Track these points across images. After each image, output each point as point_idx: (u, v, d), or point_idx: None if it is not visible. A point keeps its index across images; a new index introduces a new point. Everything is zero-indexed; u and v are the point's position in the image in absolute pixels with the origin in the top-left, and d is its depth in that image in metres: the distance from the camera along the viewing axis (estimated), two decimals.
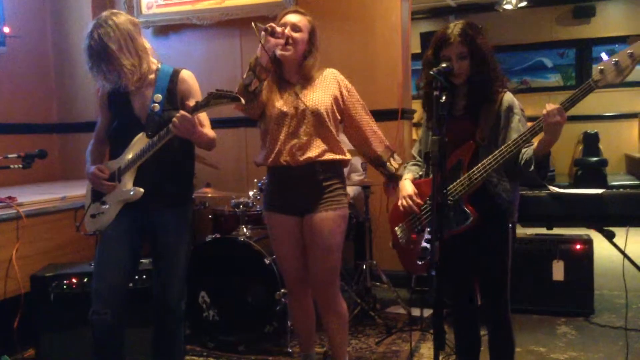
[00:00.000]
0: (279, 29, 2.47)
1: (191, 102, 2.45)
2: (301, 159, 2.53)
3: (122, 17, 2.45)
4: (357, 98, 2.68)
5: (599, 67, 2.06)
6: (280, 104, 2.57)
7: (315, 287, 2.70)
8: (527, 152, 2.19)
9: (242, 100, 2.34)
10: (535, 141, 2.18)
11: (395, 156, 2.75)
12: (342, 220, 2.61)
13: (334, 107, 2.59)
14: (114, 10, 2.50)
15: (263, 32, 2.43)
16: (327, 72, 2.65)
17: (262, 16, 4.57)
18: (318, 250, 2.59)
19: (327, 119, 2.54)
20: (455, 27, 2.26)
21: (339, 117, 2.65)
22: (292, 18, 2.57)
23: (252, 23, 2.42)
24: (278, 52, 2.52)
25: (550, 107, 2.05)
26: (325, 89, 2.59)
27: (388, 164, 2.70)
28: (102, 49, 2.38)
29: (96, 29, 2.39)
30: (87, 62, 2.45)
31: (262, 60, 2.45)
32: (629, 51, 2.02)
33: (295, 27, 2.54)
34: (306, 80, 2.59)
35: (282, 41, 2.47)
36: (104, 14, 2.46)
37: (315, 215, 2.56)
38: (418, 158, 2.57)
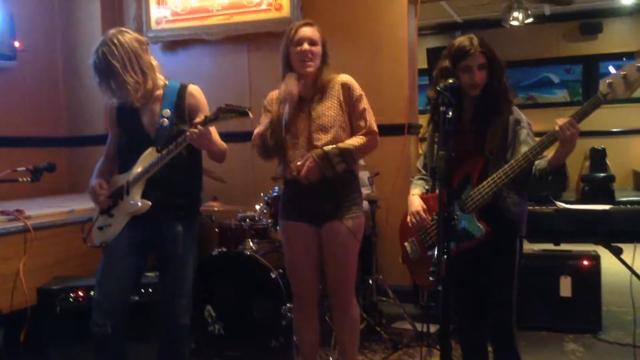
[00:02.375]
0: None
1: (199, 117, 2.47)
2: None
3: (127, 36, 2.47)
4: (361, 106, 2.66)
5: (607, 81, 2.04)
6: (294, 122, 2.60)
7: (333, 292, 2.73)
8: (540, 164, 2.19)
9: (251, 115, 2.37)
10: (547, 153, 2.18)
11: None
12: (359, 228, 2.68)
13: (343, 115, 2.62)
14: (122, 29, 2.52)
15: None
16: (337, 80, 2.66)
17: (269, 32, 4.61)
18: (337, 256, 2.64)
19: (337, 134, 2.58)
20: (472, 39, 2.29)
21: (349, 122, 2.65)
22: (308, 32, 2.60)
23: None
24: (304, 69, 2.57)
25: (562, 121, 2.06)
26: (333, 100, 2.62)
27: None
28: (106, 66, 2.41)
29: (101, 47, 2.43)
30: (94, 78, 2.48)
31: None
32: (637, 65, 2.00)
33: (312, 42, 2.59)
34: (318, 93, 2.63)
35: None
36: (111, 31, 2.48)
37: (335, 222, 2.60)
38: (423, 172, 2.58)
